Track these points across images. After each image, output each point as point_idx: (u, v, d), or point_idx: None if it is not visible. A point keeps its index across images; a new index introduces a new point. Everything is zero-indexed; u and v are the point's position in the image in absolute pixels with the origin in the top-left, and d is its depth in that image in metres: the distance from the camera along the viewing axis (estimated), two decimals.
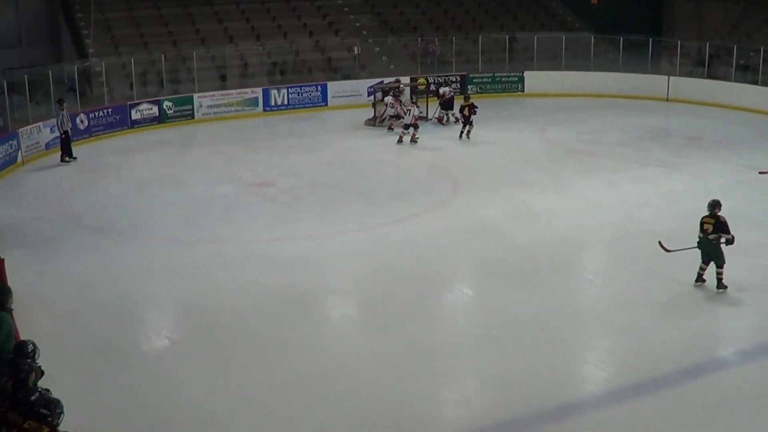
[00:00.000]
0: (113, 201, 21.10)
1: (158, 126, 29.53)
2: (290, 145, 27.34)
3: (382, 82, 31.96)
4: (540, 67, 35.61)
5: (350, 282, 16.21)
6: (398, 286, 15.53)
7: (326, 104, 32.77)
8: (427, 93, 30.79)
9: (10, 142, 24.37)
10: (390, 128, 28.23)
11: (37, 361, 8.95)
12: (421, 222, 19.17)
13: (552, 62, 35.60)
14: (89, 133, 27.36)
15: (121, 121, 28.78)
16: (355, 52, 35.24)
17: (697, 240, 14.65)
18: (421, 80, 31.93)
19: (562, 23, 41.11)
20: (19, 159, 24.62)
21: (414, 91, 31.23)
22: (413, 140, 26.47)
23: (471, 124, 27.01)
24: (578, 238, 18.06)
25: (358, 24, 38.14)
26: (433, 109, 29.96)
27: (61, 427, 8.04)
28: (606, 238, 18.20)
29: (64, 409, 8.20)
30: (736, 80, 32.42)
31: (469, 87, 33.83)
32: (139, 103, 29.44)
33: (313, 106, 32.53)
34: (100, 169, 24.32)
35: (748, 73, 32.88)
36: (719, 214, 14.48)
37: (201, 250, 17.42)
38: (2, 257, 14.23)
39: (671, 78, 33.52)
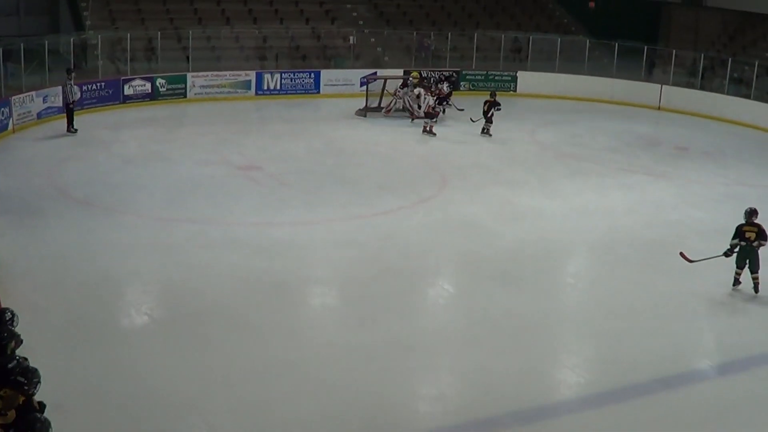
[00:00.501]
0: (102, 175, 21.00)
1: (150, 103, 29.49)
2: (280, 130, 27.32)
3: (375, 73, 31.96)
4: (533, 68, 35.63)
5: (332, 271, 16.21)
6: (380, 278, 15.54)
7: (318, 92, 32.73)
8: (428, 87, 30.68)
9: (2, 109, 24.27)
10: (414, 120, 28.32)
11: (14, 328, 8.92)
12: (406, 215, 19.18)
13: (546, 63, 35.58)
14: (81, 105, 27.22)
15: (114, 96, 28.75)
16: (351, 41, 35.21)
17: (735, 247, 15.03)
18: (414, 73, 31.92)
19: (558, 25, 41.11)
20: (10, 127, 24.53)
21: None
22: (430, 131, 26.71)
23: (489, 120, 27.02)
24: (563, 241, 18.09)
25: (354, 14, 38.10)
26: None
27: (36, 397, 8.01)
28: (590, 243, 18.23)
29: (41, 379, 8.18)
30: (729, 93, 32.45)
31: (491, 87, 33.14)
32: (132, 79, 29.40)
33: (305, 93, 32.49)
34: (90, 143, 24.22)
35: (741, 87, 32.90)
36: (756, 221, 15.12)
37: (185, 230, 17.40)
38: None
39: (664, 87, 33.53)
